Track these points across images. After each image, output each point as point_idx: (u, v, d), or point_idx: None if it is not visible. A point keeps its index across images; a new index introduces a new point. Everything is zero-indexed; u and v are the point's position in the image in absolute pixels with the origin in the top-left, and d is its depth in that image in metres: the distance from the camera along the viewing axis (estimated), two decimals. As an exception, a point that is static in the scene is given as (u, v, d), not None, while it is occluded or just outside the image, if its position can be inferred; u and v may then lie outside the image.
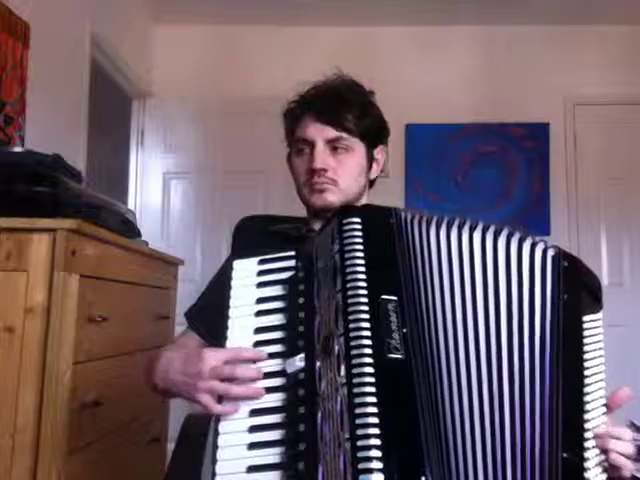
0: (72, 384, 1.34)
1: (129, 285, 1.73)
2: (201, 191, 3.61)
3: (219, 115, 3.57)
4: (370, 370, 0.70)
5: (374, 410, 0.67)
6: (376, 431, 0.66)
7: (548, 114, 3.63)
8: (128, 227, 1.79)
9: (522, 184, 3.59)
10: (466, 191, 3.59)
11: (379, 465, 0.64)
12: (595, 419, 0.78)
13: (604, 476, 0.77)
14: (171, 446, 1.21)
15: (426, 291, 0.79)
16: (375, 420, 0.67)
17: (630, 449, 0.79)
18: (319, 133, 1.09)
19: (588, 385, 0.78)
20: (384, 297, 0.75)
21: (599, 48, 3.67)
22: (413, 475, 0.65)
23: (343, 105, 1.10)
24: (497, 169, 3.61)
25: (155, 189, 3.62)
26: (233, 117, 3.52)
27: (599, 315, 0.84)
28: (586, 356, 0.79)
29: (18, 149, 1.80)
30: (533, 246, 0.82)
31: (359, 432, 0.66)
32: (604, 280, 3.56)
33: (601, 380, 0.81)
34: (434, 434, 0.70)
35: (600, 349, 0.82)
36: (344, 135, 1.09)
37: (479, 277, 0.79)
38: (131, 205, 3.54)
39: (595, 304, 0.85)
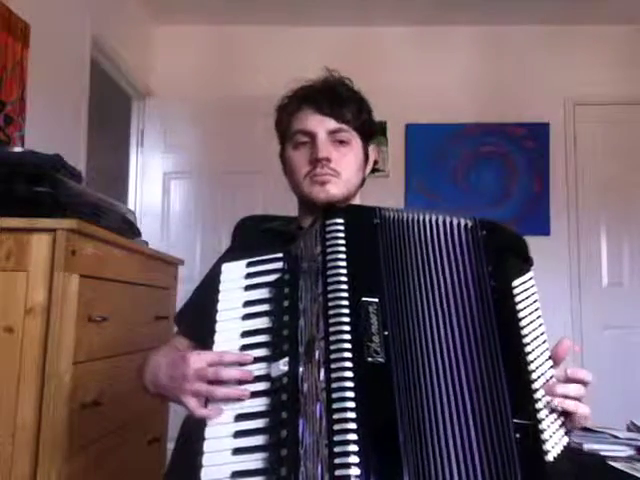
0: (72, 384, 1.34)
1: (129, 285, 1.73)
2: (201, 191, 3.60)
3: (219, 115, 3.56)
4: (349, 374, 0.69)
5: (352, 415, 0.67)
6: (354, 437, 0.66)
7: (548, 114, 3.62)
8: (128, 227, 1.79)
9: (522, 184, 3.59)
10: (466, 191, 3.58)
11: (357, 472, 0.64)
12: (543, 375, 0.78)
13: (562, 431, 0.76)
14: (171, 446, 1.20)
15: (408, 290, 0.78)
16: (353, 426, 0.66)
17: (580, 390, 0.79)
18: (320, 124, 1.10)
19: (530, 350, 0.78)
20: (365, 299, 0.75)
21: (599, 48, 3.67)
22: None
23: (342, 99, 1.12)
24: (497, 169, 3.61)
25: (155, 189, 3.62)
26: (233, 117, 3.52)
27: (530, 274, 0.85)
28: (522, 322, 0.80)
29: (18, 149, 1.80)
30: (459, 225, 0.83)
31: (337, 438, 0.66)
32: (604, 280, 3.56)
33: (544, 341, 0.81)
34: (413, 438, 0.70)
35: (537, 309, 0.83)
36: (344, 127, 1.11)
37: (439, 269, 0.81)
38: (131, 205, 3.54)
39: (524, 264, 0.86)
